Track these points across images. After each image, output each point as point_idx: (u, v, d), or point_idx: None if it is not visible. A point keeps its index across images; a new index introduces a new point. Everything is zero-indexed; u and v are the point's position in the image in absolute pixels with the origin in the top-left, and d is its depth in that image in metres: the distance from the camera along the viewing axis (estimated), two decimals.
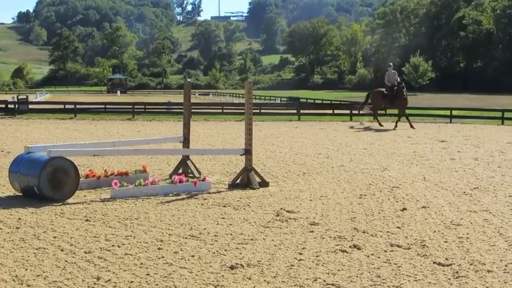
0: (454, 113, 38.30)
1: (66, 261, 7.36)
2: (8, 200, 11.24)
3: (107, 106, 44.87)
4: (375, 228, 9.19)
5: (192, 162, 14.68)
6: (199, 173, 14.34)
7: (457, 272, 7.06)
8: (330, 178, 14.37)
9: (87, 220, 9.62)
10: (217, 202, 11.26)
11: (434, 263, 7.42)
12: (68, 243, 8.22)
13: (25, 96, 50.54)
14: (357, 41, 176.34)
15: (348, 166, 16.46)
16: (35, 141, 21.91)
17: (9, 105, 43.20)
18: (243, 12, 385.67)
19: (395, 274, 6.98)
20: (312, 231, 8.98)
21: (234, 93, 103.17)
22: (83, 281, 6.64)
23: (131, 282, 6.61)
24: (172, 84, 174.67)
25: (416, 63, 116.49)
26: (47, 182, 11.15)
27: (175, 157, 16.12)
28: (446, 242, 8.43)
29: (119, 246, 8.04)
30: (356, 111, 41.54)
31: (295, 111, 41.87)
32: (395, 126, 31.04)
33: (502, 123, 34.93)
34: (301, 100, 66.55)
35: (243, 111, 13.69)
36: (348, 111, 40.99)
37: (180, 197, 11.75)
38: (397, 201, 11.40)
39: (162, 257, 7.56)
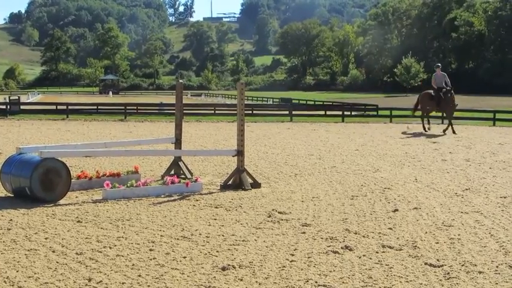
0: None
1: (57, 262, 7.34)
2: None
3: (99, 107, 44.81)
4: (367, 229, 9.20)
5: (184, 163, 14.66)
6: (191, 174, 14.32)
7: (449, 273, 7.07)
8: (321, 179, 14.38)
9: (78, 221, 9.60)
10: (209, 203, 11.25)
11: (426, 264, 7.43)
12: (59, 244, 8.20)
13: (17, 97, 50.44)
14: (349, 42, 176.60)
15: (339, 167, 16.47)
16: (26, 142, 21.86)
17: (1, 106, 43.16)
18: (235, 13, 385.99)
19: (387, 275, 6.99)
20: (304, 233, 8.98)
21: (227, 94, 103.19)
22: (74, 282, 6.62)
23: (123, 283, 6.60)
24: (164, 85, 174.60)
25: (408, 64, 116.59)
26: (38, 183, 11.13)
27: (167, 158, 16.11)
28: (437, 243, 8.44)
29: (110, 248, 8.02)
30: (348, 112, 41.69)
31: (287, 112, 41.90)
32: (445, 130, 29.02)
33: (494, 125, 35.00)
34: (294, 101, 66.63)
35: (235, 112, 13.70)
36: (340, 112, 41.02)
37: (172, 198, 11.74)
38: (388, 203, 11.41)
39: (154, 258, 7.54)
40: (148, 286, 6.54)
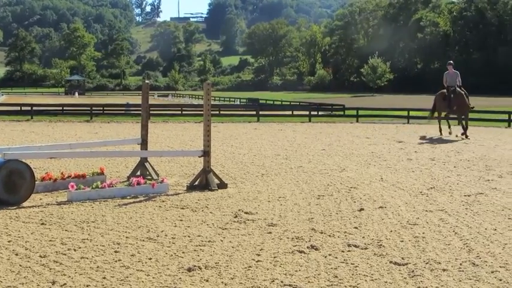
0: (412, 113, 38.67)
1: (20, 265, 7.26)
2: None
3: (64, 108, 44.56)
4: (333, 229, 9.23)
5: (150, 164, 14.62)
6: (158, 175, 14.26)
7: (413, 271, 7.11)
8: (288, 179, 14.41)
9: (42, 224, 9.51)
10: (175, 204, 11.21)
11: (391, 262, 7.47)
12: (22, 247, 8.11)
13: None
14: (316, 42, 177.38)
15: (306, 167, 16.52)
16: None
17: None
18: (202, 14, 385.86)
19: (352, 274, 7.01)
20: (270, 233, 8.99)
21: (194, 95, 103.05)
22: (38, 285, 6.55)
23: (87, 286, 6.54)
24: (131, 86, 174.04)
25: (375, 65, 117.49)
26: (1, 185, 10.99)
27: (133, 159, 16.04)
28: (402, 241, 8.49)
29: (75, 250, 7.96)
30: (315, 112, 41.84)
31: (254, 112, 41.93)
32: (463, 134, 26.29)
33: (458, 124, 35.25)
34: (261, 101, 66.74)
35: (202, 112, 13.66)
36: (307, 112, 41.14)
37: (137, 200, 11.68)
38: (354, 202, 11.46)
39: (119, 260, 7.49)
40: None
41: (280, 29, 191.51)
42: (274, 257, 7.67)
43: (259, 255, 7.78)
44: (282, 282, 6.71)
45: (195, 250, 8.00)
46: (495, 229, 9.22)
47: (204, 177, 13.06)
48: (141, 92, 15.57)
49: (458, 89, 26.32)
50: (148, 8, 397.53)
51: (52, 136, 26.11)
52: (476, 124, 34.06)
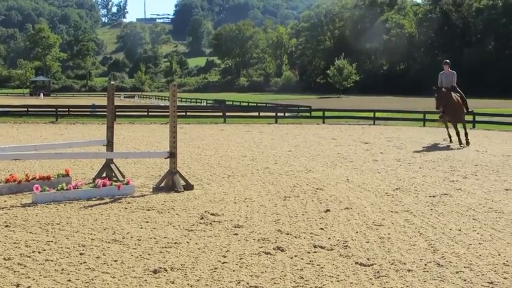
0: (378, 115, 38.94)
1: None
2: None
3: (29, 109, 44.15)
4: (299, 230, 9.25)
5: (115, 165, 14.54)
6: (123, 176, 14.21)
7: (378, 271, 7.16)
8: (254, 180, 14.42)
9: (6, 226, 9.42)
10: (141, 206, 11.17)
11: (356, 263, 7.50)
12: None
13: None
14: (283, 43, 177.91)
15: (272, 168, 16.54)
16: None
17: None
18: (168, 15, 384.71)
19: (318, 275, 7.03)
20: (236, 234, 8.99)
21: (160, 96, 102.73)
22: None
23: None
24: (97, 87, 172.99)
25: (341, 66, 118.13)
26: None
27: (99, 161, 15.94)
28: (368, 242, 8.54)
29: (39, 252, 7.89)
30: (281, 114, 41.96)
31: (221, 113, 41.92)
32: (465, 140, 23.46)
33: (424, 125, 35.61)
34: (227, 102, 66.75)
35: (169, 114, 13.62)
36: (274, 114, 41.21)
37: (103, 201, 11.61)
38: (320, 203, 11.49)
39: (84, 262, 7.45)
40: None
41: (247, 31, 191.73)
42: (240, 259, 7.67)
43: (225, 256, 7.77)
44: (248, 283, 6.72)
45: (161, 252, 7.98)
46: (460, 230, 9.30)
47: (170, 179, 13.03)
48: (106, 93, 15.47)
49: (453, 93, 23.38)
50: (114, 9, 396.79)
51: (16, 137, 25.86)
52: (441, 125, 34.33)
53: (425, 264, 7.44)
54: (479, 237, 8.86)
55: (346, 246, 8.31)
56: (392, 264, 7.45)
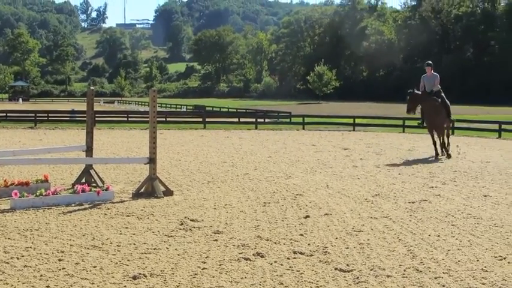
0: (357, 121, 39.14)
1: None
2: None
3: (8, 114, 43.94)
4: (278, 236, 9.25)
5: (95, 171, 14.49)
6: (103, 182, 14.16)
7: (358, 277, 7.17)
8: (234, 186, 14.41)
9: None
10: (121, 212, 11.13)
11: (336, 269, 7.51)
12: None
13: None
14: (263, 49, 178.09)
15: (252, 174, 16.54)
16: None
17: None
18: (148, 20, 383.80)
19: (298, 281, 7.04)
20: (216, 240, 8.98)
21: (140, 101, 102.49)
22: None
23: None
24: (76, 92, 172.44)
25: (321, 72, 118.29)
26: None
27: (78, 166, 15.88)
28: (347, 248, 8.55)
29: (18, 258, 7.84)
30: (261, 120, 41.99)
31: (201, 119, 41.90)
32: (442, 152, 21.57)
33: (403, 131, 35.80)
34: (207, 108, 66.69)
35: (149, 119, 13.60)
36: (254, 120, 41.28)
37: (82, 207, 11.55)
38: (300, 209, 11.51)
39: (63, 269, 7.41)
40: None
41: (227, 36, 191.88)
42: (220, 265, 7.67)
43: (205, 262, 7.76)
44: None
45: (140, 258, 7.96)
46: (438, 235, 9.34)
47: (150, 185, 13.01)
48: (86, 98, 15.42)
49: (434, 97, 21.49)
50: (93, 14, 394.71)
51: None
52: (420, 132, 34.49)
53: (405, 270, 7.47)
54: (458, 243, 8.90)
55: (326, 252, 8.32)
56: (371, 270, 7.47)
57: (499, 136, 31.92)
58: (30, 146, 23.57)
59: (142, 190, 13.02)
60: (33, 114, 42.55)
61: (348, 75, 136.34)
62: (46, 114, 44.36)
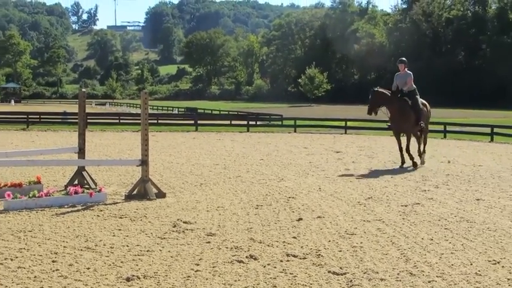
0: (349, 124, 39.18)
1: None
2: None
3: (0, 116, 43.83)
4: (271, 239, 9.26)
5: (88, 173, 14.49)
6: (95, 184, 14.15)
7: (351, 280, 7.17)
8: (227, 189, 14.41)
9: None
10: (114, 213, 11.13)
11: (329, 272, 7.52)
12: None
13: None
14: (254, 52, 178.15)
15: (244, 177, 16.54)
16: None
17: None
18: (139, 22, 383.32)
19: (291, 284, 7.04)
20: (209, 242, 8.98)
21: (131, 103, 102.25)
22: None
23: None
24: (68, 94, 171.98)
25: (312, 75, 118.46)
26: None
27: (71, 168, 15.86)
28: (340, 251, 8.56)
29: (11, 260, 7.84)
30: (253, 122, 41.99)
31: (192, 121, 41.89)
32: (413, 158, 19.60)
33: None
34: (199, 111, 66.66)
35: (140, 121, 13.59)
36: (245, 122, 41.31)
37: (75, 209, 11.55)
38: (293, 212, 11.51)
39: (57, 270, 7.40)
40: None
41: (218, 39, 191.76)
42: (213, 267, 7.67)
43: (198, 264, 7.76)
44: None
45: (133, 260, 7.96)
46: (432, 239, 9.35)
47: (143, 187, 13.00)
48: (78, 100, 15.40)
49: (405, 99, 19.68)
50: (84, 16, 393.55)
51: None
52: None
53: (398, 274, 7.47)
54: (451, 246, 8.91)
55: (319, 255, 8.33)
56: (365, 273, 7.48)
57: (491, 140, 31.94)
58: (22, 147, 23.53)
59: (135, 192, 13.01)
60: (25, 116, 42.51)
61: (339, 78, 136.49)
62: (38, 116, 44.29)
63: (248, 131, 38.60)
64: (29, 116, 42.37)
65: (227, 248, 8.67)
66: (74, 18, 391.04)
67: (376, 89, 20.25)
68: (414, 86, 20.17)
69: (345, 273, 7.46)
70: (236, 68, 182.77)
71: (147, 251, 8.43)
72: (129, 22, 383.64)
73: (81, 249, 8.45)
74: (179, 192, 13.86)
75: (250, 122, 41.79)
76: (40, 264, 7.66)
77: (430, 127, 37.06)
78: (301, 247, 8.77)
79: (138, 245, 8.72)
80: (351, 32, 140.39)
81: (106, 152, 22.94)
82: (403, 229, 10.03)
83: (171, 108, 79.11)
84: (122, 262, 7.83)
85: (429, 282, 7.17)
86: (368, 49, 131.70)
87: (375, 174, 17.57)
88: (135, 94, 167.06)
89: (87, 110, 15.65)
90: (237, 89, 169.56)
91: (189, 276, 7.25)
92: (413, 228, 10.09)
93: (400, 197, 13.46)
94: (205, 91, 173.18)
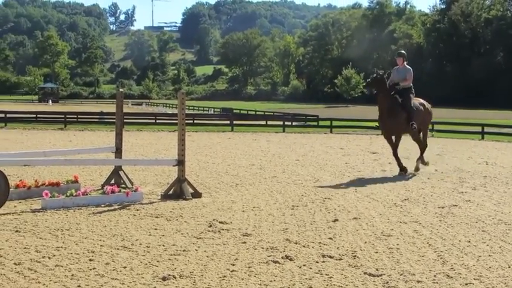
0: None
1: None
2: None
3: (38, 115, 44.42)
4: (307, 239, 9.23)
5: (124, 172, 14.56)
6: (132, 183, 14.21)
7: (387, 282, 7.12)
8: (262, 189, 14.40)
9: (17, 231, 9.44)
10: (150, 213, 11.18)
11: (365, 273, 7.47)
12: None
13: None
14: (290, 52, 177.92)
15: (280, 177, 16.51)
16: None
17: None
18: (176, 23, 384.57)
19: (327, 285, 7.01)
20: (245, 242, 8.98)
21: (168, 104, 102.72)
22: None
23: None
24: (105, 94, 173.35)
25: (349, 76, 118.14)
26: None
27: (107, 167, 15.94)
28: (377, 252, 8.51)
29: (49, 258, 7.91)
30: (289, 123, 41.94)
31: (228, 122, 41.99)
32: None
33: (432, 136, 35.50)
34: (235, 111, 66.72)
35: (176, 121, 13.64)
36: (281, 123, 41.29)
37: (112, 208, 11.62)
38: (329, 212, 11.46)
39: (94, 269, 7.46)
40: None
41: (254, 39, 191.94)
42: (249, 267, 7.66)
43: (233, 264, 7.76)
44: None
45: (169, 259, 7.98)
46: (469, 241, 9.25)
47: (179, 187, 13.03)
48: (115, 100, 15.50)
49: (395, 97, 17.90)
50: (122, 17, 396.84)
51: (26, 144, 25.95)
52: (450, 136, 34.39)
53: (435, 276, 7.40)
54: (488, 249, 8.81)
55: (355, 256, 8.28)
56: (401, 275, 7.42)
57: None
58: (60, 147, 23.76)
59: (171, 192, 13.05)
60: (62, 116, 42.89)
61: None
62: (75, 116, 44.76)
63: (284, 131, 38.58)
64: (67, 116, 42.75)
65: (263, 248, 8.67)
66: (111, 19, 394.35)
67: (376, 75, 18.03)
68: (411, 84, 18.49)
69: (381, 275, 7.41)
70: (272, 68, 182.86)
71: (183, 250, 8.45)
72: (166, 23, 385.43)
73: (118, 248, 8.50)
74: (215, 192, 13.88)
75: (286, 123, 41.73)
76: (77, 263, 7.71)
77: (467, 128, 36.90)
78: (337, 248, 8.73)
79: (174, 245, 8.75)
80: (388, 33, 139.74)
81: (142, 152, 23.06)
82: (440, 231, 9.94)
83: (207, 109, 79.35)
84: (158, 261, 7.86)
85: (466, 284, 7.08)
86: (405, 50, 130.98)
87: (411, 175, 17.44)
88: (171, 94, 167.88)
89: (124, 110, 15.72)
90: (273, 89, 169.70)
91: (224, 276, 7.26)
92: (450, 230, 9.99)
93: (437, 198, 13.33)
94: (241, 91, 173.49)
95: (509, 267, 7.86)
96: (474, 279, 7.31)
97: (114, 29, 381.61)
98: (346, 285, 7.00)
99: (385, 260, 8.12)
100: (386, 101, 17.54)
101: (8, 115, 42.50)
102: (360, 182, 15.82)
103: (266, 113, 60.15)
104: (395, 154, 18.03)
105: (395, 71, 18.72)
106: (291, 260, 8.04)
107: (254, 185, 15.02)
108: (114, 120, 16.56)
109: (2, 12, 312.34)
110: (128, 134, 31.37)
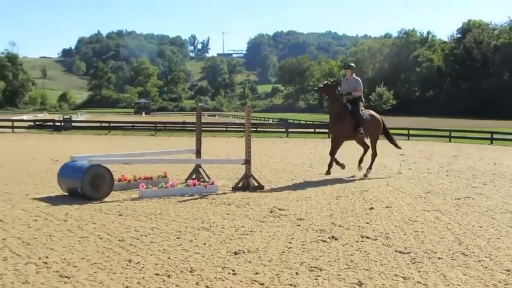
0: (411, 132, 38.43)
1: (104, 247, 7.40)
2: (57, 199, 11.27)
3: (134, 124, 45.00)
4: (349, 223, 9.23)
5: (203, 169, 14.74)
6: (209, 178, 14.36)
7: (414, 258, 7.11)
8: (312, 183, 14.40)
9: (120, 215, 9.66)
10: (223, 201, 11.29)
11: (396, 251, 7.46)
12: (105, 233, 8.25)
13: (69, 116, 50.90)
14: (334, 74, 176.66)
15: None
16: (77, 152, 21.88)
17: (57, 123, 43.37)
18: (242, 50, 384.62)
19: (365, 259, 7.02)
20: (299, 225, 9.02)
21: (236, 115, 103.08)
22: (118, 263, 6.69)
23: (156, 264, 6.66)
24: (186, 107, 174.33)
25: (381, 92, 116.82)
26: (88, 184, 11.21)
27: (189, 165, 16.13)
28: (405, 234, 8.47)
29: (145, 236, 8.08)
30: None
31: (284, 129, 41.96)
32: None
33: (449, 141, 35.02)
34: (289, 121, 66.59)
35: (243, 129, 13.74)
36: (327, 130, 41.04)
37: (193, 197, 11.77)
38: (366, 202, 11.43)
39: (180, 245, 7.60)
40: (176, 266, 6.59)
41: (305, 63, 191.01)
42: (303, 245, 7.71)
43: (290, 243, 7.82)
44: (309, 264, 6.76)
45: (239, 238, 8.07)
46: (481, 226, 9.14)
47: (246, 181, 13.13)
48: (194, 112, 15.67)
49: (345, 105, 16.10)
50: (199, 46, 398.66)
51: (126, 147, 26.37)
52: (464, 141, 33.83)
53: (453, 254, 7.36)
54: (497, 233, 8.71)
55: (388, 237, 8.27)
56: (425, 253, 7.39)
57: None
58: (152, 149, 24.08)
59: (240, 185, 13.15)
60: (153, 125, 43.46)
61: (403, 95, 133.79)
62: (163, 125, 45.21)
63: (329, 137, 38.32)
64: (157, 125, 43.30)
65: (313, 230, 8.70)
66: (191, 48, 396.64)
67: (323, 84, 16.16)
68: (361, 93, 16.91)
69: (409, 252, 7.39)
70: None
71: (250, 231, 8.53)
72: (234, 50, 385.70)
73: (199, 229, 8.62)
74: (274, 185, 13.93)
75: None
76: (167, 240, 7.85)
77: (479, 135, 36.21)
78: (373, 230, 8.71)
79: (242, 227, 8.83)
80: (413, 58, 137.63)
81: (216, 153, 23.22)
82: (457, 218, 9.84)
83: (267, 119, 79.32)
84: (230, 240, 7.95)
85: (479, 261, 7.03)
86: (427, 71, 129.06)
87: (432, 173, 17.24)
88: (239, 107, 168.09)
89: (202, 120, 15.90)
90: (320, 103, 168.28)
91: (283, 252, 7.31)
92: (465, 217, 9.89)
93: (454, 191, 13.18)
94: (294, 105, 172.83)
95: None
96: (485, 257, 7.24)
97: (193, 55, 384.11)
98: (381, 260, 7.00)
99: (412, 240, 8.09)
100: (336, 106, 15.70)
101: (111, 124, 43.24)
102: (391, 178, 15.70)
103: (314, 123, 59.88)
104: (332, 154, 15.90)
105: (345, 81, 16.90)
106: (336, 239, 8.06)
107: (305, 180, 15.03)
108: (194, 128, 16.76)
109: (105, 43, 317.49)
110: (204, 139, 31.54)
